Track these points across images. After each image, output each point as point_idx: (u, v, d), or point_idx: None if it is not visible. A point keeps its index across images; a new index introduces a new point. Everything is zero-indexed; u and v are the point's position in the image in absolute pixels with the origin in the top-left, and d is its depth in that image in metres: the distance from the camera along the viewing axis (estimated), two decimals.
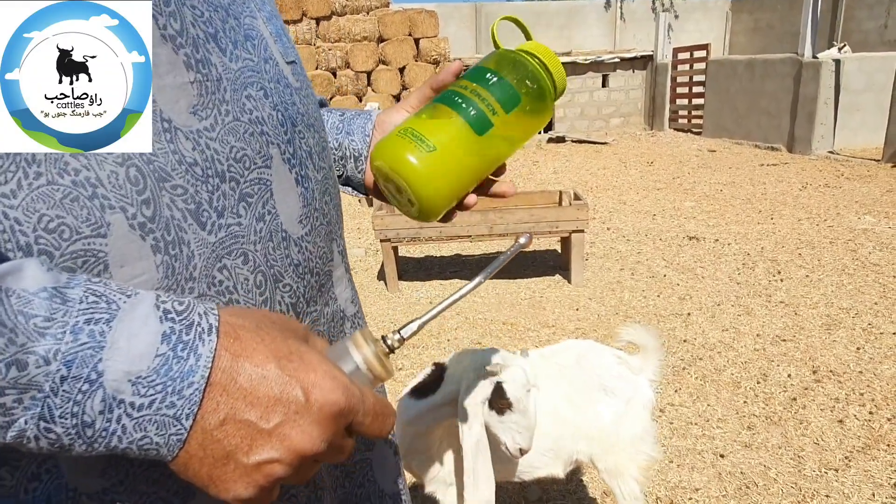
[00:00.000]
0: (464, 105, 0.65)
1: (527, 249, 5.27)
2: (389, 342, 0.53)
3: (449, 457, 1.76)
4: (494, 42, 0.74)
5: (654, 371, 1.93)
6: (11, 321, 0.35)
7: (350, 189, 0.84)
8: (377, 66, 11.18)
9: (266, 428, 0.41)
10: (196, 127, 0.49)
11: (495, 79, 0.66)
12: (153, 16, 0.47)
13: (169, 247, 0.47)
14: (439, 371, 1.61)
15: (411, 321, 0.55)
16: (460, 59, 11.54)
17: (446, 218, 0.69)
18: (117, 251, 0.45)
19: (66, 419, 0.37)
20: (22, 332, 0.35)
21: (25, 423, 0.36)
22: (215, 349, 0.40)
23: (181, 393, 0.39)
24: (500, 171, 0.71)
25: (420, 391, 1.61)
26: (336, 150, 0.79)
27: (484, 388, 1.53)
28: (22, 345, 0.35)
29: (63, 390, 0.36)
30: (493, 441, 1.54)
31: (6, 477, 0.44)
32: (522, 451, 1.52)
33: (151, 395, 0.38)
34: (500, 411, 1.53)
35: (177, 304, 0.41)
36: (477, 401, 1.51)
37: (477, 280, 0.59)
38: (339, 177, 0.81)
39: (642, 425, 1.87)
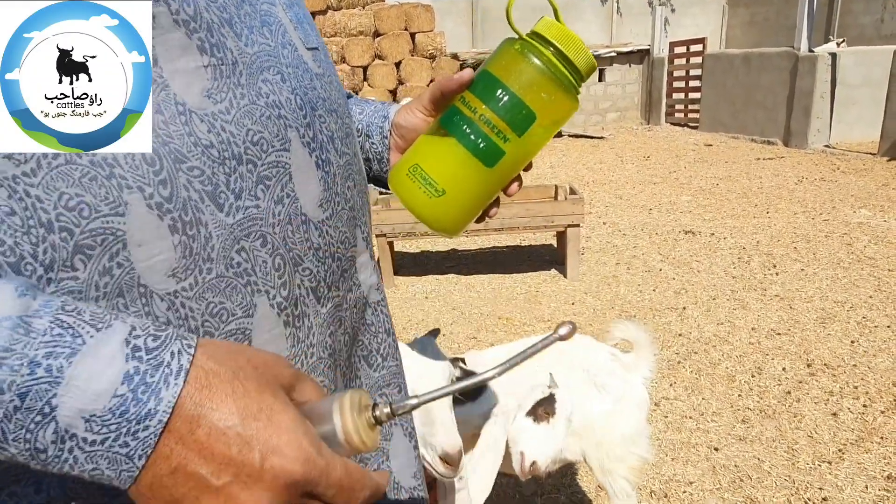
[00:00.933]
0: (471, 135, 0.61)
1: (523, 244, 5.27)
2: (377, 413, 0.48)
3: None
4: (510, 22, 0.67)
5: (648, 369, 1.91)
6: None
7: (380, 187, 0.83)
8: (373, 60, 11.15)
9: (216, 484, 0.39)
10: (211, 110, 0.49)
11: (506, 98, 0.61)
12: (166, 1, 0.47)
13: (186, 227, 0.48)
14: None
15: (409, 398, 0.50)
16: (457, 54, 11.52)
17: None
18: (135, 230, 0.45)
19: (20, 443, 0.37)
20: None
21: None
22: (178, 395, 0.39)
23: (136, 435, 0.38)
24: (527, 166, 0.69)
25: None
26: (360, 152, 0.79)
27: (532, 395, 1.53)
28: None
29: (16, 418, 0.36)
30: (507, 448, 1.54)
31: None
32: (535, 465, 1.52)
33: (105, 434, 0.38)
34: (538, 419, 1.53)
35: (150, 340, 0.40)
36: (513, 404, 1.51)
37: (490, 373, 0.50)
38: (368, 176, 0.80)
39: (634, 425, 1.85)
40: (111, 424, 0.38)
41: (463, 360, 1.76)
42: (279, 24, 0.57)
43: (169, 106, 0.47)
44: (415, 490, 0.74)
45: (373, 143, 0.79)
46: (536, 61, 0.61)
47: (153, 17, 0.46)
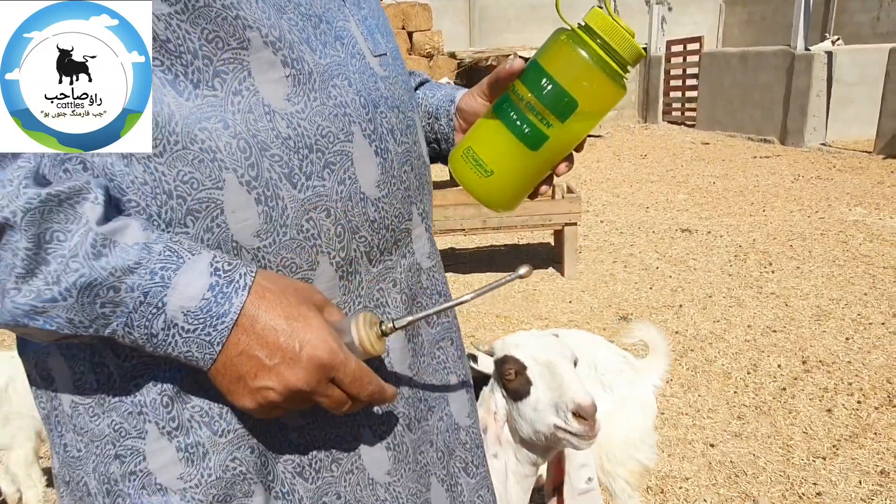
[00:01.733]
0: (518, 122, 0.67)
1: (520, 242, 5.27)
2: (384, 328, 0.64)
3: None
4: (559, 13, 0.70)
5: (660, 377, 1.89)
6: (114, 262, 0.52)
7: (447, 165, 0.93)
8: None
9: (268, 364, 0.56)
10: (289, 110, 0.61)
11: (549, 86, 0.65)
12: (258, 28, 0.59)
13: (268, 200, 0.61)
14: (517, 368, 1.42)
15: (406, 315, 0.66)
16: (454, 53, 11.51)
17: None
18: (230, 201, 0.59)
19: (141, 329, 0.54)
20: (120, 269, 0.52)
21: (116, 326, 0.53)
22: (244, 303, 0.55)
23: (216, 327, 0.55)
24: (578, 147, 0.74)
25: (514, 392, 1.41)
26: (430, 132, 0.90)
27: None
28: (118, 277, 0.52)
29: (140, 310, 0.53)
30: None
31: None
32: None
33: (195, 325, 0.54)
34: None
35: (226, 265, 0.56)
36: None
37: (465, 297, 0.67)
38: (438, 154, 0.92)
39: (637, 431, 1.80)
40: (200, 318, 0.54)
41: (474, 358, 1.73)
42: (351, 37, 0.69)
43: (258, 107, 0.60)
44: (470, 428, 0.89)
45: (440, 126, 0.90)
46: (579, 51, 0.65)
47: (248, 40, 0.59)
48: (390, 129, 0.70)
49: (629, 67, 0.67)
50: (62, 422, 0.64)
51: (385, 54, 0.73)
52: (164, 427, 0.61)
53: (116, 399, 0.61)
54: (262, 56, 0.60)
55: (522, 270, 0.66)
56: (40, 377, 0.65)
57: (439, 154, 0.92)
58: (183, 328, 0.54)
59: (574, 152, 0.74)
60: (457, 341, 0.90)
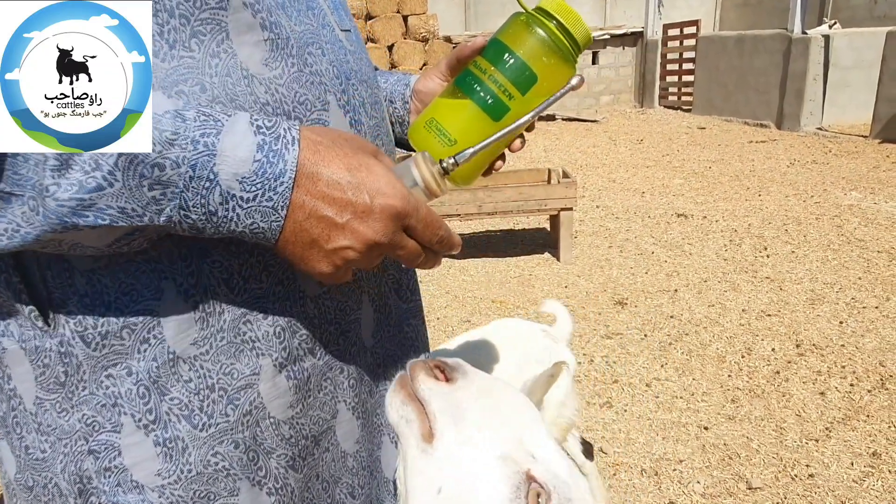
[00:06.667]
0: (481, 92, 0.69)
1: (516, 227, 5.27)
2: (445, 165, 0.63)
3: None
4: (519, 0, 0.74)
5: (566, 338, 2.07)
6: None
7: (402, 149, 0.93)
8: (365, 43, 11.04)
9: (340, 223, 0.54)
10: (267, 75, 0.60)
11: (511, 60, 0.69)
12: None
13: None
14: None
15: (466, 149, 0.66)
16: (449, 37, 11.44)
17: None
18: None
19: (197, 209, 0.50)
20: (158, 142, 0.48)
21: (171, 210, 0.50)
22: (297, 158, 0.52)
23: (276, 189, 0.51)
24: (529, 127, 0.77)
25: None
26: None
27: None
28: (159, 152, 0.48)
29: (192, 187, 0.49)
30: None
31: (125, 338, 0.57)
32: None
33: (254, 191, 0.51)
34: None
35: (266, 121, 0.53)
36: None
37: (526, 117, 0.68)
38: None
39: (564, 391, 1.91)
40: (256, 183, 0.51)
41: None
42: (320, 8, 0.68)
43: (236, 70, 0.58)
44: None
45: (395, 109, 0.90)
46: (539, 31, 0.70)
47: (227, 0, 0.56)
48: (362, 101, 0.70)
49: (580, 50, 0.72)
50: (23, 422, 0.60)
51: (350, 30, 0.74)
52: (140, 420, 0.58)
53: (87, 392, 0.57)
54: (241, 17, 0.58)
55: (574, 81, 0.68)
56: None
57: (393, 138, 0.92)
58: (241, 198, 0.51)
59: (525, 132, 0.77)
60: (423, 322, 0.91)
